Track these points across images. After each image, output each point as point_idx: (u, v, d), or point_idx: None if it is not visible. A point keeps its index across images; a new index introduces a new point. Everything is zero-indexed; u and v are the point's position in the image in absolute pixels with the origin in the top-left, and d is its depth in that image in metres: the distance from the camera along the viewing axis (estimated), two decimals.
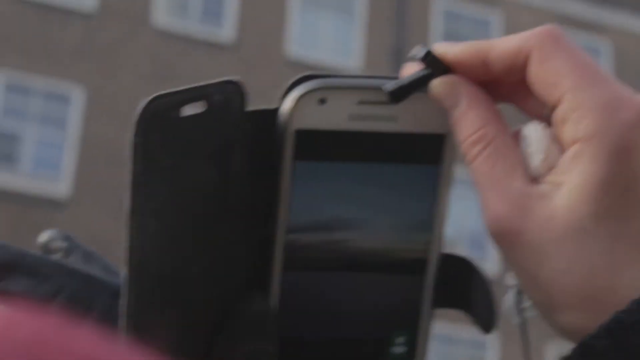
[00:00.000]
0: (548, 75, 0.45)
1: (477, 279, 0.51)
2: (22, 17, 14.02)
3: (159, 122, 0.44)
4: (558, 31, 0.46)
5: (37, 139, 13.58)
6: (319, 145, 0.47)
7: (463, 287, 0.51)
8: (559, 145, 0.45)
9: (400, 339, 0.49)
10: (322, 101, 0.47)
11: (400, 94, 0.46)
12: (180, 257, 0.46)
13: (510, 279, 0.50)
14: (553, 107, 0.45)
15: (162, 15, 14.56)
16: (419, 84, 0.47)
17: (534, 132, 0.47)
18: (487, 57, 0.47)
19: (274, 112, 0.47)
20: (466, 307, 0.51)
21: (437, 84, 0.47)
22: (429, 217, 0.49)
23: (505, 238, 0.45)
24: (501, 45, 0.47)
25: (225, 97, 0.46)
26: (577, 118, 0.44)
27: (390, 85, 0.46)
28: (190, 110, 0.45)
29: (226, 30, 14.79)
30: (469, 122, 0.47)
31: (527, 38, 0.46)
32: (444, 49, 0.48)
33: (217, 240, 0.47)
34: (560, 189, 0.44)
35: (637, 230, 0.44)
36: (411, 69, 0.48)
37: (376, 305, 0.49)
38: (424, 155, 0.48)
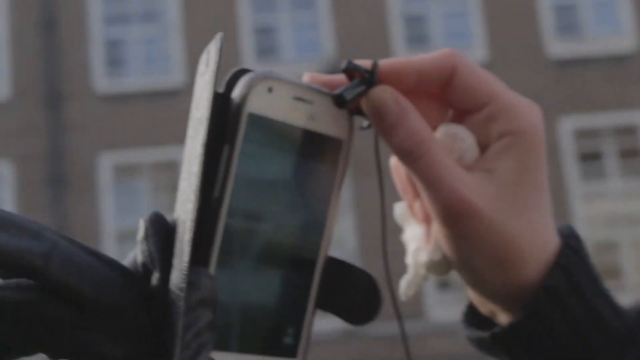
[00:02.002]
0: (477, 83, 0.55)
1: (354, 279, 0.54)
2: None
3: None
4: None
5: None
6: (262, 131, 0.50)
7: (340, 288, 0.54)
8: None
9: (290, 331, 0.52)
10: (270, 90, 0.50)
11: (345, 101, 0.53)
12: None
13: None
14: (475, 110, 0.56)
15: None
16: (360, 93, 0.54)
17: (462, 131, 0.56)
18: (420, 69, 0.55)
19: (219, 95, 0.50)
20: (339, 308, 0.54)
21: (378, 93, 0.54)
22: (323, 219, 0.53)
23: (468, 215, 0.54)
24: (427, 60, 0.55)
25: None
26: (509, 116, 0.55)
27: (337, 91, 0.53)
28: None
29: None
30: (410, 126, 0.53)
31: (447, 56, 0.56)
32: (382, 62, 0.55)
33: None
34: (494, 173, 0.55)
35: (546, 199, 0.57)
36: (320, 78, 0.54)
37: (276, 297, 0.52)
38: (327, 157, 0.53)
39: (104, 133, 13.98)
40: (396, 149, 0.54)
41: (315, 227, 0.53)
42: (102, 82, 14.19)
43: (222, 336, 0.49)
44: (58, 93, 14.13)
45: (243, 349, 0.51)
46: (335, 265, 0.54)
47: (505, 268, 0.55)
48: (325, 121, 0.53)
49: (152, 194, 13.95)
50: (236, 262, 0.50)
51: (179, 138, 13.79)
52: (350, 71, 0.54)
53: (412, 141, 0.54)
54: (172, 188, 12.94)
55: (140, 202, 13.95)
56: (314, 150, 0.53)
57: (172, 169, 13.57)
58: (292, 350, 0.52)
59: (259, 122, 0.50)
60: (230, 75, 0.51)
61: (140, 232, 0.48)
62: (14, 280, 0.44)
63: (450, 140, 0.55)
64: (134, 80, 14.27)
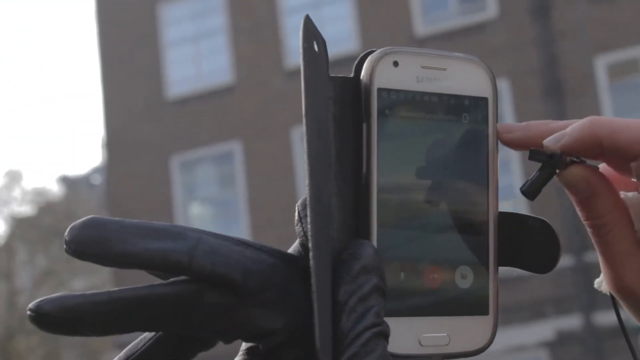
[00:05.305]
0: (625, 140, 0.54)
1: (529, 228, 0.56)
2: None
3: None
4: None
5: None
6: (397, 104, 0.52)
7: (518, 240, 0.56)
8: None
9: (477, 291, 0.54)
10: (396, 64, 0.53)
11: (533, 192, 0.55)
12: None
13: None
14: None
15: None
16: (547, 180, 0.55)
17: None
18: (607, 145, 0.54)
19: (350, 79, 0.53)
20: (521, 261, 0.56)
21: (569, 175, 0.55)
22: (484, 178, 0.54)
23: (630, 299, 0.56)
24: (623, 137, 0.54)
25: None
26: None
27: (524, 186, 0.55)
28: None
29: None
30: (596, 208, 0.55)
31: (586, 127, 0.54)
32: (563, 142, 0.55)
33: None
34: None
35: None
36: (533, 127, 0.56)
37: (456, 261, 0.54)
38: (475, 117, 0.54)
39: (595, 36, 14.06)
40: (584, 220, 0.56)
41: (478, 187, 0.55)
42: None
43: (409, 303, 0.53)
44: (544, 3, 14.45)
45: (435, 313, 0.53)
46: (508, 219, 0.56)
47: None
48: (463, 83, 0.54)
49: None
50: (404, 231, 0.52)
51: None
52: (536, 159, 0.55)
53: (595, 223, 0.56)
54: None
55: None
56: (458, 112, 0.54)
57: None
58: (483, 308, 0.55)
59: (391, 96, 0.52)
60: (357, 59, 0.53)
61: (296, 216, 0.52)
62: (170, 280, 0.48)
63: (637, 207, 0.56)
64: None
